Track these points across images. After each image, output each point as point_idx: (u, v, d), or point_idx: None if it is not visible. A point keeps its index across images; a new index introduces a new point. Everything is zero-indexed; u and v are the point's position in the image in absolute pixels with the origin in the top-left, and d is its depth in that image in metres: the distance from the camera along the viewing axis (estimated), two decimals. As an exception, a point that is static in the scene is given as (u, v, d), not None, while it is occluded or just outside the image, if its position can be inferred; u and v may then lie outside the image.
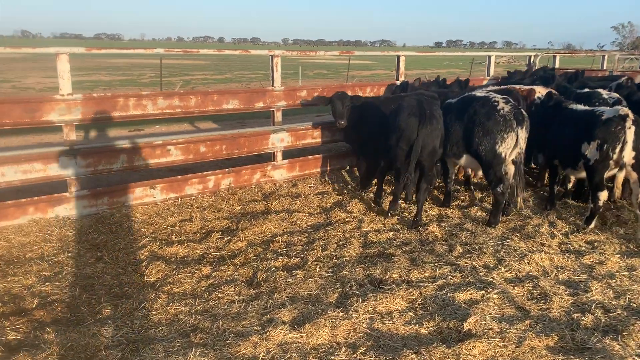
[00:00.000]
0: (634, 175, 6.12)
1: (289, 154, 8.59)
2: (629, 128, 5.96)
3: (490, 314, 4.40)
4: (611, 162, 6.12)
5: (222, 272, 5.20)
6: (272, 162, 8.26)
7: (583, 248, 5.98)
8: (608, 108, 6.33)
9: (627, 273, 5.31)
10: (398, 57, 10.04)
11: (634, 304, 4.64)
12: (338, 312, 4.37)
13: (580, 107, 6.74)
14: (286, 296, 4.69)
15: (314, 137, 8.72)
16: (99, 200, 6.52)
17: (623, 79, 8.34)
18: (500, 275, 5.19)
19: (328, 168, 8.93)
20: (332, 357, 3.80)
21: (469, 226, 6.54)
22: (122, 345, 3.91)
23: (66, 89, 6.01)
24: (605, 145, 6.08)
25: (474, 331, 4.14)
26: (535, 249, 5.83)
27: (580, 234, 6.37)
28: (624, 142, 5.99)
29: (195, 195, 7.36)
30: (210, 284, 4.97)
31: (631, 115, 5.99)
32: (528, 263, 5.46)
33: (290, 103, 8.40)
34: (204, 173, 7.48)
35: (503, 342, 3.98)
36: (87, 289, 4.79)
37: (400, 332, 4.18)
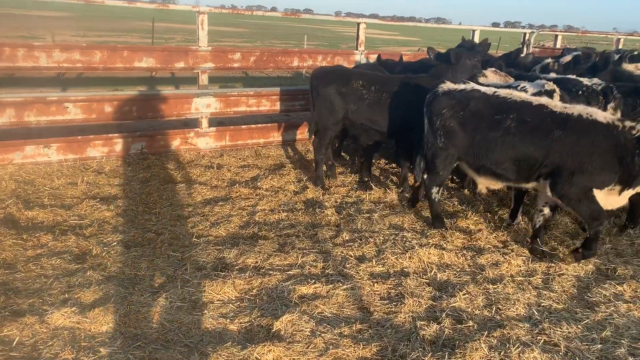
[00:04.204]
0: None
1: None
2: None
3: (317, 313, 3.82)
4: None
5: (61, 242, 4.73)
6: (196, 129, 7.72)
7: (489, 246, 5.27)
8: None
9: (521, 278, 4.61)
10: (358, 24, 9.23)
11: (498, 316, 3.97)
12: (145, 298, 3.86)
13: None
14: (104, 275, 4.19)
15: (249, 105, 8.13)
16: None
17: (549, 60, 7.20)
18: (368, 269, 4.57)
19: (266, 140, 8.35)
20: (101, 348, 3.30)
21: (375, 213, 5.88)
22: None
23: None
24: None
25: (282, 332, 3.57)
26: (428, 242, 5.16)
27: (500, 231, 5.66)
28: None
29: (98, 158, 6.90)
30: (37, 254, 4.50)
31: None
32: (410, 257, 4.81)
33: (220, 66, 7.79)
34: (110, 135, 7.00)
35: (306, 348, 3.41)
36: None
37: (204, 327, 3.64)
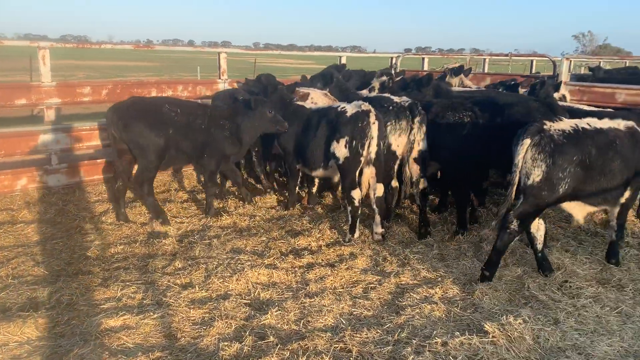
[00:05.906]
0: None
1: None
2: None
3: (117, 345, 3.77)
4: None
5: None
6: (45, 166, 7.43)
7: (322, 261, 5.44)
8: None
9: (342, 290, 4.79)
10: (218, 54, 9.39)
11: (305, 329, 4.09)
12: None
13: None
14: None
15: (104, 138, 7.95)
16: None
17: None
18: (190, 296, 4.57)
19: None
20: None
21: (217, 239, 5.91)
22: None
23: None
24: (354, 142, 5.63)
25: (71, 368, 3.48)
26: (263, 263, 5.25)
27: (339, 246, 5.85)
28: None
29: None
30: None
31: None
32: (237, 280, 4.87)
33: (68, 100, 7.61)
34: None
35: (89, 382, 3.35)
36: None
37: (-12, 371, 3.48)
